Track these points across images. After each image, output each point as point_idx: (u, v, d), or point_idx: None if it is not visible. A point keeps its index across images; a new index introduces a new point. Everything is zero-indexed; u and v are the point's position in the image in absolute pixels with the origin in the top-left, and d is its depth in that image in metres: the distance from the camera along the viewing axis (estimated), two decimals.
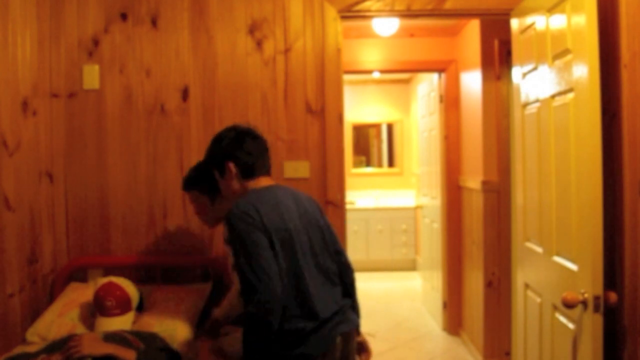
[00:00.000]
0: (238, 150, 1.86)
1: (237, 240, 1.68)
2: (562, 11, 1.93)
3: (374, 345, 3.96)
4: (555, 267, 2.00)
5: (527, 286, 2.34)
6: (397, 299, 5.34)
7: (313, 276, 1.77)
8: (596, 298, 1.72)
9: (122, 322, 2.18)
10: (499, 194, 3.44)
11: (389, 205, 6.58)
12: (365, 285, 5.80)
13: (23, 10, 2.44)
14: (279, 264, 1.67)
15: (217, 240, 2.67)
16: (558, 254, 2.00)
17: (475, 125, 3.64)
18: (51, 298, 2.55)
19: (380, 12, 2.70)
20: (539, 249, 2.18)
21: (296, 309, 1.70)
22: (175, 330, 2.22)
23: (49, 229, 2.61)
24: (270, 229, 1.69)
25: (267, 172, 1.92)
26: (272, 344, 1.66)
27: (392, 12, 2.71)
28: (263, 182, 1.88)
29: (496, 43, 3.41)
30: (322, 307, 1.74)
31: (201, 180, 2.15)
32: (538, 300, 2.19)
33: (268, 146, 1.95)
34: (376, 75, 6.14)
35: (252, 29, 2.69)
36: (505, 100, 3.41)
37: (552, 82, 2.03)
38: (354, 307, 1.93)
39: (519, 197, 2.43)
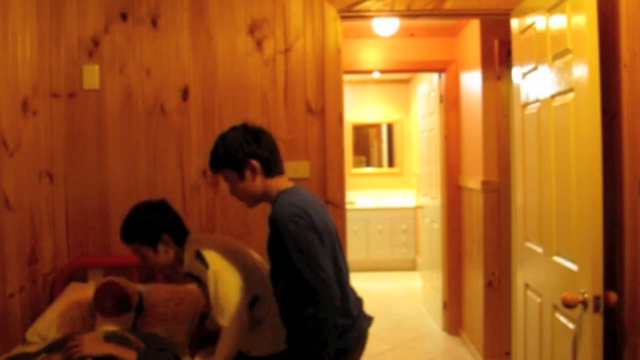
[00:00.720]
0: (258, 147, 1.81)
1: (292, 243, 1.64)
2: (562, 11, 1.93)
3: (374, 345, 3.98)
4: (555, 267, 2.00)
5: (527, 286, 2.34)
6: (397, 299, 5.34)
7: (346, 275, 1.84)
8: (596, 298, 1.72)
9: (122, 322, 2.17)
10: (499, 194, 3.44)
11: (389, 205, 6.58)
12: (365, 285, 5.79)
13: (23, 10, 2.44)
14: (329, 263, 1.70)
15: None
16: (558, 254, 2.00)
17: (475, 125, 3.64)
18: (51, 298, 2.55)
19: (380, 12, 2.70)
20: (539, 249, 2.18)
21: (341, 306, 1.74)
22: (175, 330, 2.22)
23: (49, 229, 2.61)
24: (320, 229, 1.70)
25: (282, 169, 1.89)
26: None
27: (392, 12, 2.71)
28: (283, 181, 1.86)
29: (496, 43, 3.41)
30: (353, 305, 1.83)
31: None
32: (538, 300, 2.18)
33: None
34: (376, 75, 6.14)
35: (252, 29, 2.69)
36: (505, 100, 3.41)
37: (552, 82, 2.03)
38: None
39: (519, 197, 2.43)
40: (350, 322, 1.79)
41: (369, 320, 1.94)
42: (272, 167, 1.83)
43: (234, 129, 1.87)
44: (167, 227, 2.02)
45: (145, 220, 2.01)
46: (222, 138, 1.86)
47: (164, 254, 2.03)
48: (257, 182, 1.82)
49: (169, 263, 2.05)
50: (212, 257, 1.97)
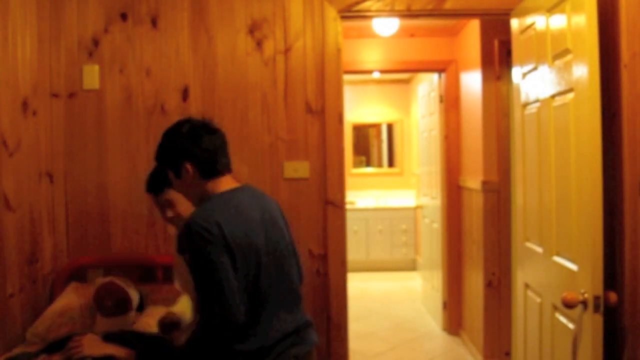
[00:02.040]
0: (195, 147, 1.65)
1: (197, 259, 1.54)
2: (562, 11, 1.93)
3: (374, 345, 3.98)
4: (555, 267, 2.00)
5: (527, 286, 2.34)
6: (397, 299, 5.34)
7: (274, 294, 1.66)
8: (596, 298, 1.72)
9: (122, 322, 2.18)
10: (499, 194, 3.44)
11: (389, 205, 6.58)
12: (365, 286, 5.80)
13: (23, 10, 2.44)
14: (239, 284, 1.55)
15: None
16: (558, 254, 2.00)
17: (475, 125, 3.64)
18: (51, 298, 2.55)
19: (380, 12, 2.70)
20: (539, 249, 2.18)
21: (250, 330, 1.60)
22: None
23: (49, 229, 2.61)
24: (233, 246, 1.54)
25: (228, 169, 1.73)
26: None
27: (392, 12, 2.71)
28: (225, 183, 1.70)
29: (496, 43, 3.41)
30: (278, 327, 1.65)
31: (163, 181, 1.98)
32: (538, 300, 2.18)
33: (226, 140, 1.75)
34: (376, 75, 6.14)
35: (252, 29, 2.69)
36: (505, 100, 3.41)
37: (552, 82, 2.03)
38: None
39: (519, 197, 2.43)
40: (264, 347, 1.61)
41: (308, 346, 1.73)
42: (212, 169, 1.67)
43: (177, 125, 1.73)
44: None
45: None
46: (165, 133, 1.74)
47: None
48: (194, 184, 1.68)
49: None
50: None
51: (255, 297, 1.61)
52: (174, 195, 1.98)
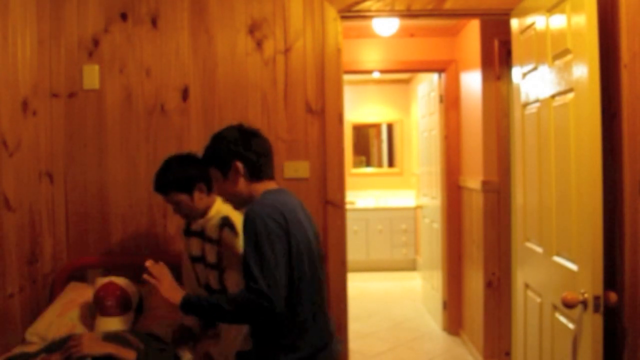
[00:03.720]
0: (246, 149, 1.77)
1: (253, 239, 1.60)
2: (562, 11, 1.93)
3: (374, 345, 3.98)
4: (555, 267, 2.00)
5: (527, 286, 2.34)
6: (397, 299, 5.34)
7: (313, 293, 1.75)
8: (596, 298, 1.72)
9: (122, 322, 2.18)
10: (499, 194, 3.44)
11: (389, 205, 6.58)
12: (365, 285, 5.80)
13: (23, 10, 2.44)
14: (293, 274, 1.65)
15: None
16: (558, 254, 2.00)
17: (475, 125, 3.64)
18: (51, 298, 2.55)
19: (380, 12, 2.70)
20: (539, 249, 2.18)
21: (292, 328, 1.69)
22: (175, 330, 2.22)
23: (49, 229, 2.61)
24: (296, 236, 1.67)
25: (272, 175, 1.85)
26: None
27: (392, 12, 2.71)
28: (270, 186, 1.82)
29: (496, 43, 3.41)
30: (318, 330, 1.76)
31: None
32: (538, 300, 2.18)
33: (272, 149, 1.88)
34: (376, 75, 6.14)
35: (252, 29, 2.69)
36: (505, 100, 3.41)
37: (552, 82, 2.03)
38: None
39: (519, 197, 2.43)
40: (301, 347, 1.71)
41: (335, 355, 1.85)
42: (259, 172, 1.79)
43: (228, 129, 1.85)
44: (201, 177, 2.12)
45: (181, 171, 2.13)
46: (215, 136, 1.85)
47: (199, 200, 2.13)
48: (240, 185, 1.78)
49: (203, 208, 2.16)
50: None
51: (316, 290, 1.73)
52: (182, 197, 2.10)
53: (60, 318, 2.29)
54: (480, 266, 3.55)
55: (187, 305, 1.71)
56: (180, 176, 2.10)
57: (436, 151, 4.41)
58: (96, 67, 2.66)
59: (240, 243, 2.03)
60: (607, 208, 1.82)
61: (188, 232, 2.25)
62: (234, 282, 2.05)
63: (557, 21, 1.98)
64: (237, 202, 1.84)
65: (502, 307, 3.46)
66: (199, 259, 2.17)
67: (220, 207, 2.16)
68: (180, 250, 2.68)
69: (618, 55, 1.87)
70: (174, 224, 2.67)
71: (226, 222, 2.08)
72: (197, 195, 2.11)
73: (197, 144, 2.67)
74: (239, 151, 1.77)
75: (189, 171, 2.11)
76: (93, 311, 2.26)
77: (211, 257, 2.11)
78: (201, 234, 2.16)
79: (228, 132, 1.83)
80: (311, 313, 1.73)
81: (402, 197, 6.82)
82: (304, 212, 1.83)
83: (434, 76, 4.41)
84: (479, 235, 3.56)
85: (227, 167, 1.78)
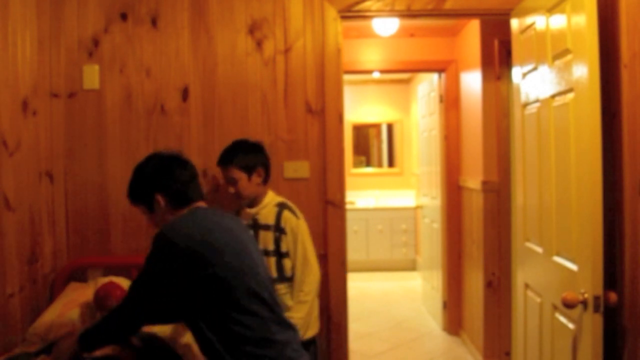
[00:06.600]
0: (168, 179, 1.74)
1: (151, 262, 1.67)
2: (562, 11, 1.93)
3: (374, 345, 3.98)
4: (555, 267, 2.01)
5: (527, 286, 2.34)
6: (397, 299, 5.34)
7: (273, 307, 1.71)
8: (596, 298, 1.72)
9: None
10: (499, 194, 3.44)
11: (389, 205, 6.58)
12: (365, 285, 5.80)
13: (23, 10, 2.44)
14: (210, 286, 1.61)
15: None
16: (558, 254, 2.00)
17: (475, 125, 3.64)
18: (51, 298, 2.55)
19: (380, 12, 2.70)
20: (539, 249, 2.18)
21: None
22: (175, 330, 2.22)
23: (49, 229, 2.61)
24: (216, 256, 1.62)
25: (200, 196, 1.81)
26: None
27: (392, 12, 2.71)
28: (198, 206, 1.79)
29: (496, 43, 3.41)
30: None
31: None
32: (538, 300, 2.19)
33: (197, 171, 1.85)
34: (376, 75, 6.14)
35: (252, 29, 2.69)
36: (505, 100, 3.41)
37: (552, 82, 2.03)
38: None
39: (519, 197, 2.43)
40: None
41: None
42: (184, 199, 1.76)
43: (148, 159, 1.81)
44: (263, 164, 2.34)
45: (248, 152, 2.33)
46: (135, 170, 1.82)
47: (254, 184, 2.30)
48: (167, 215, 1.75)
49: (254, 194, 2.33)
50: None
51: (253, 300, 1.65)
52: (241, 175, 2.27)
53: (61, 318, 2.28)
54: (480, 266, 3.55)
55: (83, 340, 1.76)
56: (246, 155, 2.29)
57: (436, 151, 4.41)
58: (96, 67, 2.66)
59: (302, 225, 2.31)
60: (607, 208, 1.82)
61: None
62: (287, 267, 2.26)
63: (557, 21, 1.98)
64: None
65: (502, 307, 3.46)
66: None
67: (274, 197, 2.37)
68: None
69: (618, 55, 1.87)
70: None
71: (284, 205, 2.31)
72: (254, 178, 2.29)
73: (197, 144, 2.68)
74: (161, 183, 1.74)
75: (255, 154, 2.31)
76: (93, 311, 2.26)
77: (268, 244, 2.27)
78: (253, 226, 2.32)
79: (147, 164, 1.80)
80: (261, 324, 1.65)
81: (402, 197, 6.83)
82: (236, 220, 1.86)
83: (434, 76, 4.41)
84: (479, 235, 3.56)
85: (150, 201, 1.76)
